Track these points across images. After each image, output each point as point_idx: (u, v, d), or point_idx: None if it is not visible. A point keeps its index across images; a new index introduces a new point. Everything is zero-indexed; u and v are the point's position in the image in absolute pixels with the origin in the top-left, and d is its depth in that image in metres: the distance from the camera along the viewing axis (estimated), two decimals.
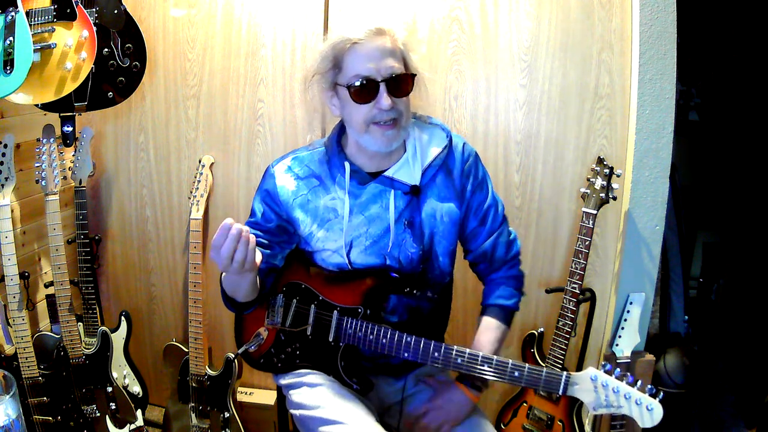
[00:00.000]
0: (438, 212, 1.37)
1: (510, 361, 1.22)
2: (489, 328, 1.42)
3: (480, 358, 1.24)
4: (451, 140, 1.39)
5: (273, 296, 1.42)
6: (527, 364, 1.21)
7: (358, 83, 1.23)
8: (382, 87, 1.23)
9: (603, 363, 1.18)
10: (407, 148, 1.36)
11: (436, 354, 1.27)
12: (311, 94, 1.34)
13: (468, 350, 1.25)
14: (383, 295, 1.36)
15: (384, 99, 1.23)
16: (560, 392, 1.18)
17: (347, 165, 1.35)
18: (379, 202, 1.35)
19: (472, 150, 1.42)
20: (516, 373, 1.21)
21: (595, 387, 1.15)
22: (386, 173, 1.35)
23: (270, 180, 1.40)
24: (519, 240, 1.56)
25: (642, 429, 1.96)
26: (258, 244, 1.38)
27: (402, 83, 1.26)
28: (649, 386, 1.13)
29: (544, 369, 1.20)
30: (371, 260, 1.37)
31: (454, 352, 1.25)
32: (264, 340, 1.39)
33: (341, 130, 1.40)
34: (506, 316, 1.45)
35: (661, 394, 1.12)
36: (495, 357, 1.23)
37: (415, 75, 1.29)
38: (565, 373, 1.19)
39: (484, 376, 1.24)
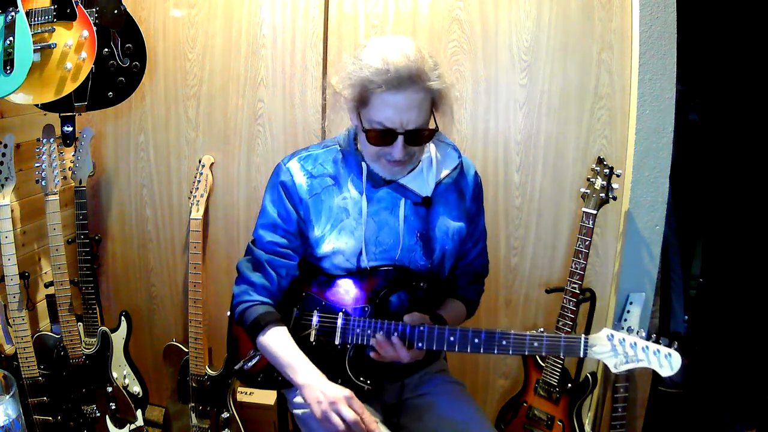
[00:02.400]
0: (450, 230, 1.39)
1: (528, 333, 1.22)
2: (455, 307, 1.49)
3: (497, 336, 1.22)
4: (461, 162, 1.43)
5: None
6: (545, 333, 1.21)
7: (377, 129, 1.22)
8: (400, 138, 1.22)
9: (614, 323, 1.20)
10: (422, 161, 1.37)
11: (451, 338, 1.25)
12: (334, 97, 1.32)
13: (483, 330, 1.24)
14: (390, 292, 1.35)
15: (398, 150, 1.23)
16: (581, 355, 1.19)
17: (364, 166, 1.34)
18: (390, 209, 1.35)
19: (479, 177, 1.48)
20: (535, 344, 1.21)
21: (613, 345, 1.17)
22: (400, 181, 1.35)
23: (286, 174, 1.36)
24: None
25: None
26: (279, 254, 1.37)
27: (421, 135, 1.24)
28: (663, 338, 1.16)
29: (562, 335, 1.21)
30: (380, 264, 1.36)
31: (470, 334, 1.24)
32: (261, 356, 1.38)
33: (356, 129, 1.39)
34: (470, 310, 1.54)
35: (676, 343, 1.16)
36: (513, 332, 1.22)
37: (436, 131, 1.27)
38: (583, 336, 1.20)
39: (506, 353, 1.23)
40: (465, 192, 1.43)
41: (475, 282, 1.55)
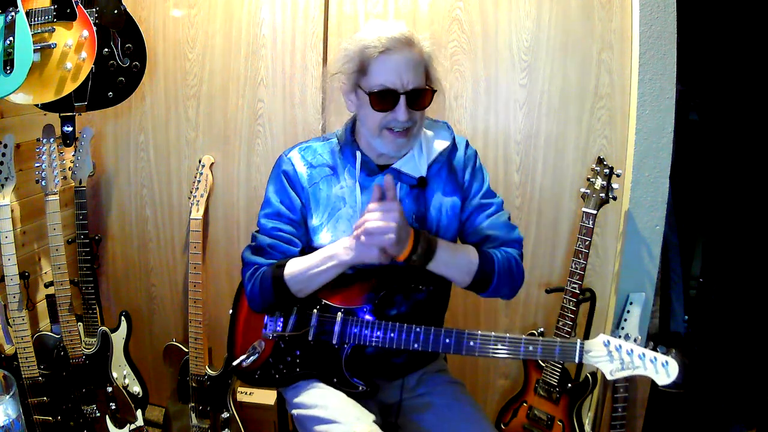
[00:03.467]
0: (443, 206, 1.40)
1: (523, 337, 1.23)
2: (463, 247, 1.38)
3: (492, 338, 1.24)
4: (454, 139, 1.43)
5: None
6: (540, 338, 1.22)
7: (380, 92, 1.26)
8: (402, 99, 1.25)
9: (612, 330, 1.19)
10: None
11: (447, 340, 1.26)
12: (331, 86, 1.38)
13: (479, 332, 1.25)
14: (388, 293, 1.36)
15: (401, 111, 1.26)
16: (576, 360, 1.19)
17: (358, 154, 1.37)
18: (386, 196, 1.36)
19: (473, 149, 1.46)
20: (531, 348, 1.22)
21: (609, 351, 1.17)
22: (394, 166, 1.37)
23: (288, 164, 1.41)
24: None
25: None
26: (283, 240, 1.38)
27: (422, 97, 1.28)
28: (660, 346, 1.15)
29: (558, 340, 1.21)
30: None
31: (465, 336, 1.25)
32: (260, 353, 1.38)
33: (354, 122, 1.42)
34: (485, 260, 1.34)
35: (674, 351, 1.14)
36: (508, 335, 1.23)
37: (436, 91, 1.31)
38: (578, 341, 1.20)
39: (501, 356, 1.24)
40: (457, 166, 1.43)
41: (494, 246, 1.39)
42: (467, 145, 1.45)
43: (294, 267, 1.34)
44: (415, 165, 1.38)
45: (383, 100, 1.26)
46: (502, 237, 1.40)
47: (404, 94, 1.25)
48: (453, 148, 1.43)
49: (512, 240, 1.41)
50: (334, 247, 1.32)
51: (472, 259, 1.33)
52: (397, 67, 1.24)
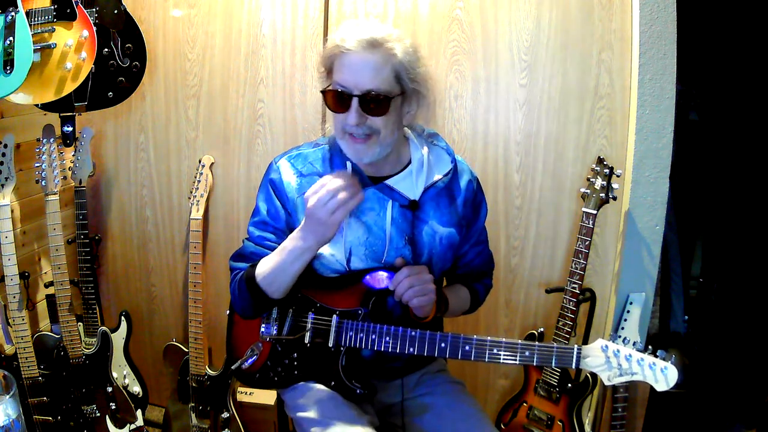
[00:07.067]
0: (438, 235, 1.37)
1: (519, 341, 1.22)
2: (459, 290, 1.49)
3: (488, 343, 1.23)
4: (455, 166, 1.40)
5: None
6: (537, 343, 1.21)
7: (333, 91, 1.23)
8: (354, 102, 1.21)
9: (611, 334, 1.18)
10: (413, 162, 1.36)
11: (442, 344, 1.26)
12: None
13: (475, 337, 1.24)
14: (383, 295, 1.35)
15: (352, 115, 1.21)
16: (573, 366, 1.18)
17: (349, 165, 1.33)
18: (377, 210, 1.34)
19: (475, 177, 1.45)
20: (527, 353, 1.21)
21: (607, 357, 1.15)
22: (387, 182, 1.34)
23: (275, 173, 1.38)
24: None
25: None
26: (267, 247, 1.37)
27: (377, 103, 1.21)
28: (660, 351, 1.13)
29: (555, 345, 1.20)
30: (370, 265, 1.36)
31: (461, 341, 1.25)
32: (259, 355, 1.38)
33: None
34: (474, 298, 1.52)
35: (673, 356, 1.13)
36: (503, 339, 1.23)
37: (392, 98, 1.22)
38: (576, 346, 1.18)
39: (497, 362, 1.23)
40: (456, 197, 1.40)
41: (477, 279, 1.54)
42: (471, 179, 1.43)
43: (264, 264, 1.31)
44: (411, 185, 1.35)
45: (335, 100, 1.23)
46: (485, 270, 1.57)
47: (357, 97, 1.20)
48: (454, 175, 1.40)
49: (491, 270, 1.59)
50: (295, 238, 1.27)
51: (465, 301, 1.49)
52: (353, 67, 1.20)
